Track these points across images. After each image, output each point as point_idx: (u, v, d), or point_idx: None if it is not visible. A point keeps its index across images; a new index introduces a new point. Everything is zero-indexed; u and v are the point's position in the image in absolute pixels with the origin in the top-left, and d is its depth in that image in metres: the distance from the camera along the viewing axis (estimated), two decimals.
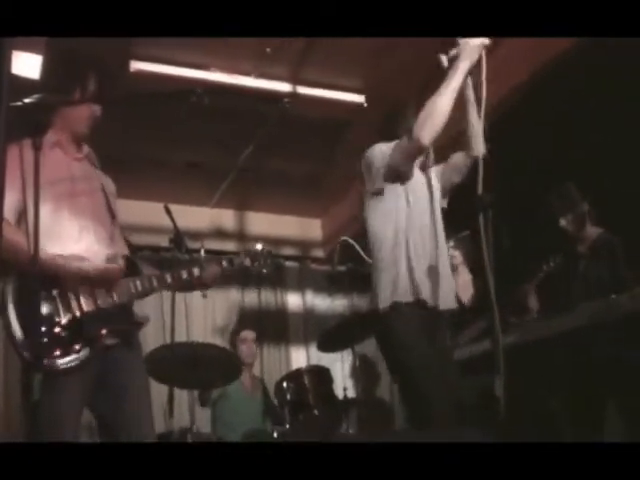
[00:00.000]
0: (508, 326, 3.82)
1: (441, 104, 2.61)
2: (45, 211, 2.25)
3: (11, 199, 2.19)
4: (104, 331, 2.28)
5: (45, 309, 2.21)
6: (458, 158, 2.93)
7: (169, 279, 2.48)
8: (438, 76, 2.70)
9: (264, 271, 2.79)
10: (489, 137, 2.66)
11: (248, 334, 5.06)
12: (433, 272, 2.75)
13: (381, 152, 2.85)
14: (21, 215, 2.27)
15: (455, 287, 2.95)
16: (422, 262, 2.76)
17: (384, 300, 2.74)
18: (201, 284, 2.63)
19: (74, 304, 2.26)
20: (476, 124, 2.69)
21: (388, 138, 2.89)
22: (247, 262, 2.74)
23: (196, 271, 2.53)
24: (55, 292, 2.25)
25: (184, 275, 2.52)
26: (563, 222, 3.90)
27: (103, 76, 2.53)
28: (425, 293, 2.72)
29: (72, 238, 2.36)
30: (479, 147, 2.64)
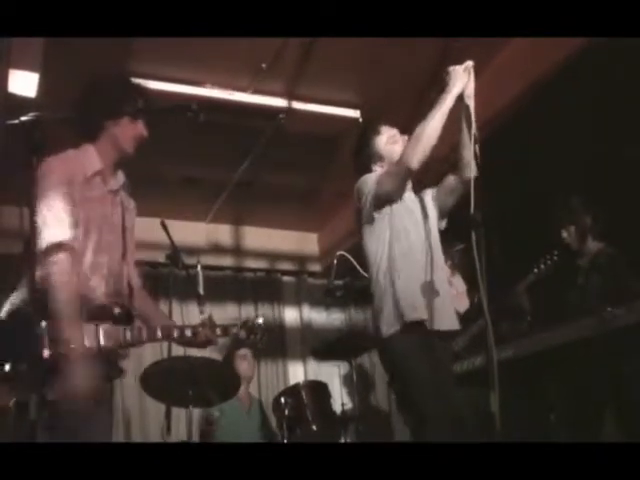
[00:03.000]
0: (502, 337, 3.83)
1: (430, 129, 2.69)
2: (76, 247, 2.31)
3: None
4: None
5: (31, 340, 2.15)
6: (451, 181, 2.98)
7: (159, 334, 2.43)
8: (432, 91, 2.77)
9: (258, 346, 2.75)
10: (481, 157, 2.70)
11: (247, 351, 5.04)
12: (431, 295, 2.79)
13: (369, 180, 2.92)
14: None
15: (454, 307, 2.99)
16: (419, 286, 2.79)
17: (386, 327, 2.78)
18: (191, 344, 2.61)
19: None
20: (468, 146, 2.73)
21: (362, 171, 3.01)
22: (242, 334, 2.68)
23: (188, 333, 2.49)
24: (44, 324, 2.19)
25: (175, 333, 2.49)
26: (565, 234, 3.90)
27: (147, 98, 2.54)
28: (424, 317, 2.75)
29: (86, 275, 2.36)
30: (471, 169, 2.66)
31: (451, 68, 2.72)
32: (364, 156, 3.07)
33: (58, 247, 2.23)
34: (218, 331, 2.59)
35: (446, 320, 2.84)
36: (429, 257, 2.87)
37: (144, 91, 2.57)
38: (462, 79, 2.70)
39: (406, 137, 3.03)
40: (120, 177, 2.57)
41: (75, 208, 2.34)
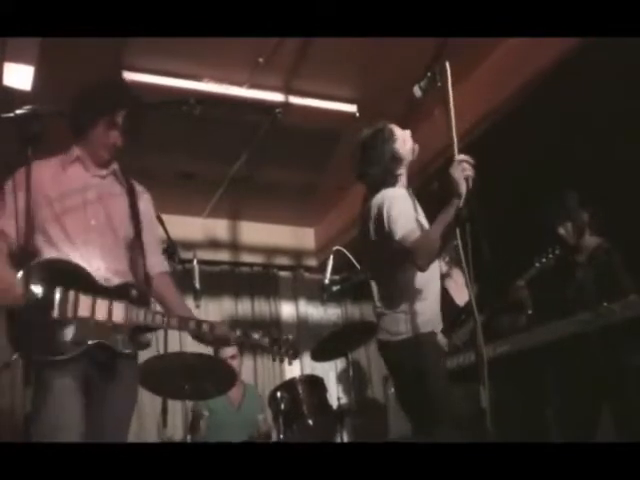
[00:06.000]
0: (502, 331, 3.83)
1: (435, 238, 2.70)
2: (52, 224, 2.41)
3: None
4: (90, 342, 2.31)
5: (42, 304, 2.26)
6: None
7: (174, 322, 2.48)
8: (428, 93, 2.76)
9: (280, 357, 2.74)
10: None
11: (236, 351, 4.98)
12: (435, 305, 2.96)
13: (398, 221, 2.83)
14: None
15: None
16: (428, 296, 2.90)
17: (396, 330, 2.86)
18: (205, 340, 2.61)
19: (70, 307, 2.30)
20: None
21: (383, 180, 2.97)
22: (265, 342, 2.67)
23: (205, 327, 2.51)
24: (59, 290, 2.30)
25: (191, 325, 2.51)
26: (562, 230, 3.88)
27: (134, 111, 2.58)
28: (432, 325, 2.89)
29: (76, 251, 2.42)
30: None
31: (451, 174, 2.64)
32: (387, 165, 2.99)
33: None
34: (238, 332, 2.60)
35: (437, 321, 2.95)
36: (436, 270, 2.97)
37: (130, 105, 2.59)
38: (462, 184, 2.61)
39: (408, 132, 3.06)
40: (111, 166, 2.64)
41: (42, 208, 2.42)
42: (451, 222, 2.65)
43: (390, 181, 2.98)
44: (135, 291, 2.45)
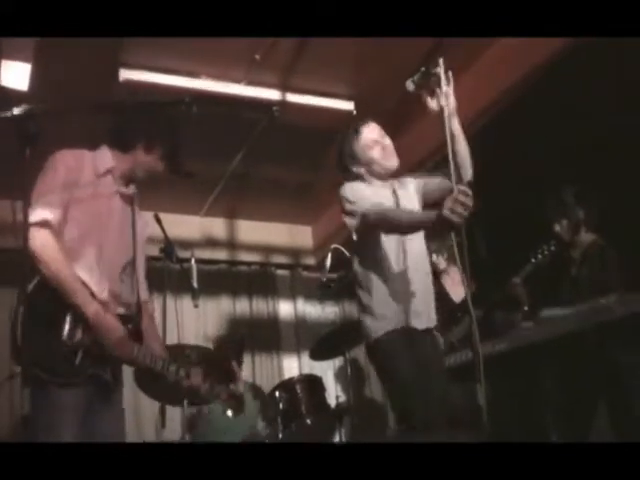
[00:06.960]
0: (498, 329, 3.84)
1: (402, 214, 2.79)
2: (73, 235, 2.37)
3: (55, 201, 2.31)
4: (90, 371, 2.31)
5: (51, 326, 2.25)
6: (444, 183, 2.88)
7: (160, 364, 2.51)
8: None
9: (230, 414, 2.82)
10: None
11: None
12: (420, 298, 2.88)
13: (357, 201, 2.86)
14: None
15: (434, 305, 3.01)
16: (408, 290, 2.85)
17: (375, 328, 2.84)
18: (179, 386, 2.64)
19: (79, 333, 2.30)
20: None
21: (342, 169, 3.04)
22: (223, 397, 2.74)
23: (182, 373, 2.56)
24: (69, 314, 2.29)
25: (171, 369, 2.55)
26: (557, 227, 3.88)
27: (178, 147, 2.66)
28: (412, 319, 2.82)
29: (86, 267, 2.39)
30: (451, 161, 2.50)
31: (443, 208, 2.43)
32: (343, 156, 3.05)
33: (39, 224, 2.24)
34: (207, 385, 2.66)
35: (425, 318, 2.89)
36: (417, 262, 2.92)
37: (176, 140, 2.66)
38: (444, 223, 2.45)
39: (389, 141, 3.02)
40: (132, 187, 2.64)
41: (73, 200, 2.39)
42: (427, 226, 2.68)
43: (349, 178, 3.01)
44: (131, 325, 2.46)
